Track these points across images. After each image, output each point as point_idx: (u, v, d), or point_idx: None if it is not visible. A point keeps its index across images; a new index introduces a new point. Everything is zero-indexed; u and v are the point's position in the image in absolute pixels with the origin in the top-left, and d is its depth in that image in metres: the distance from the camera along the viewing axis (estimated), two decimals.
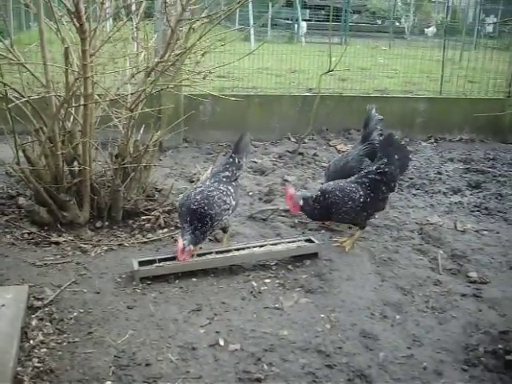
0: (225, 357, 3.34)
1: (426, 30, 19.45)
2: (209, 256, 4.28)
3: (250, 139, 4.87)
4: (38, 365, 3.17)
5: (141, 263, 4.14)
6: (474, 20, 16.70)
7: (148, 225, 4.99)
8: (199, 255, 4.28)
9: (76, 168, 4.88)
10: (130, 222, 4.99)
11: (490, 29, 18.02)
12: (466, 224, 5.43)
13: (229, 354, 3.37)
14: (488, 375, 3.31)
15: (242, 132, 7.48)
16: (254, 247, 4.41)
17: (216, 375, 3.19)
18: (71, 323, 3.56)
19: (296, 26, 16.17)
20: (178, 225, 4.73)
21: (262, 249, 4.38)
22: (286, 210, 5.32)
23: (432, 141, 8.49)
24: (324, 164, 7.03)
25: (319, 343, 3.50)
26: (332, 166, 5.31)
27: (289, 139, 7.87)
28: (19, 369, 3.11)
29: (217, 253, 4.32)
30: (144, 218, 5.04)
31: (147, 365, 3.23)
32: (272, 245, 4.44)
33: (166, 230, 4.95)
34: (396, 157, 4.63)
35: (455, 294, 4.18)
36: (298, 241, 4.54)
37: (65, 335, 3.44)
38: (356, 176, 4.71)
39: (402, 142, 5.73)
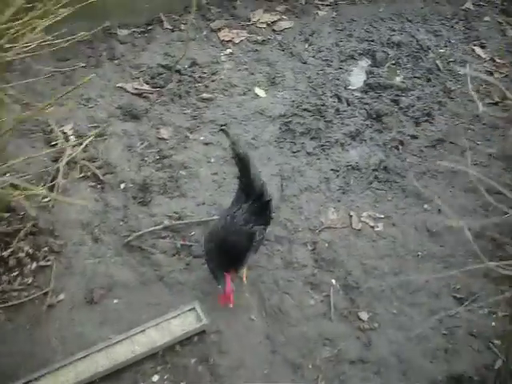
0: None
1: None
2: None
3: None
4: None
5: None
6: None
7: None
8: None
9: None
10: None
11: None
12: None
13: None
14: None
15: (102, 18, 6.14)
16: (135, 334, 4.06)
17: None
18: None
19: None
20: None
21: (145, 339, 4.05)
22: (166, 227, 4.74)
23: None
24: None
25: None
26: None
27: (161, 22, 6.48)
28: None
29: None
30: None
31: None
32: (154, 326, 4.11)
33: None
34: None
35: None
36: (182, 313, 4.17)
37: None
38: None
39: None
